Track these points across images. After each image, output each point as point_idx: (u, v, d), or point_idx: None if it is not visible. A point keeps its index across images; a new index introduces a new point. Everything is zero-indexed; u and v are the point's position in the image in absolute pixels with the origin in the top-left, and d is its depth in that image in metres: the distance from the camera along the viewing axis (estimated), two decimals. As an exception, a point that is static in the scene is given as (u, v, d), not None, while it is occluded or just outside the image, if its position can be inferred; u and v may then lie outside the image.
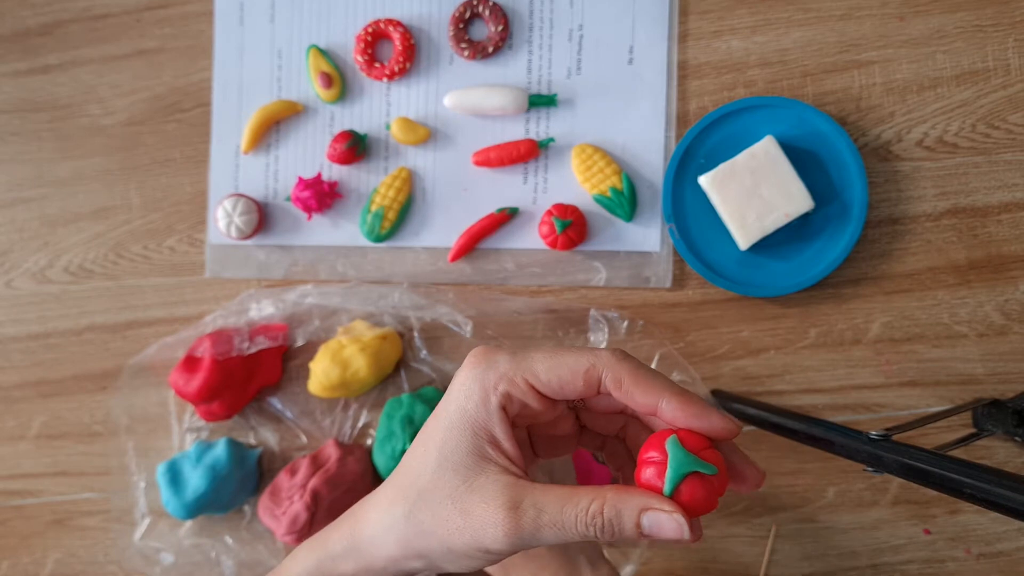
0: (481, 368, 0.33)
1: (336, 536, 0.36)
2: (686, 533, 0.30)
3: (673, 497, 0.31)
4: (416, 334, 0.69)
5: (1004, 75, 0.62)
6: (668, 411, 0.32)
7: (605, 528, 0.30)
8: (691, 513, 0.30)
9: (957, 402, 0.63)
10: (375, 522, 0.34)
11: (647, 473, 0.31)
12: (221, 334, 0.68)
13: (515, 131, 0.68)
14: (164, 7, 0.72)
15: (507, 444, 0.32)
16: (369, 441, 0.70)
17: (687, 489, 0.31)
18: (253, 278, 0.71)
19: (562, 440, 0.37)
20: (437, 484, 0.32)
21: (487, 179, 0.68)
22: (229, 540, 0.71)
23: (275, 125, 0.71)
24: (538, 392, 0.32)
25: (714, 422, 0.32)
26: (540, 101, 0.67)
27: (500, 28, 0.67)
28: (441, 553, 0.32)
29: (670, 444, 0.31)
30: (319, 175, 0.69)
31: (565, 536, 0.31)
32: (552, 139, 0.67)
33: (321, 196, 0.68)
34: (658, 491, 0.31)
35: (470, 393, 0.32)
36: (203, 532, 0.71)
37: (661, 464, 0.31)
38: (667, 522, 0.30)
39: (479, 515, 0.31)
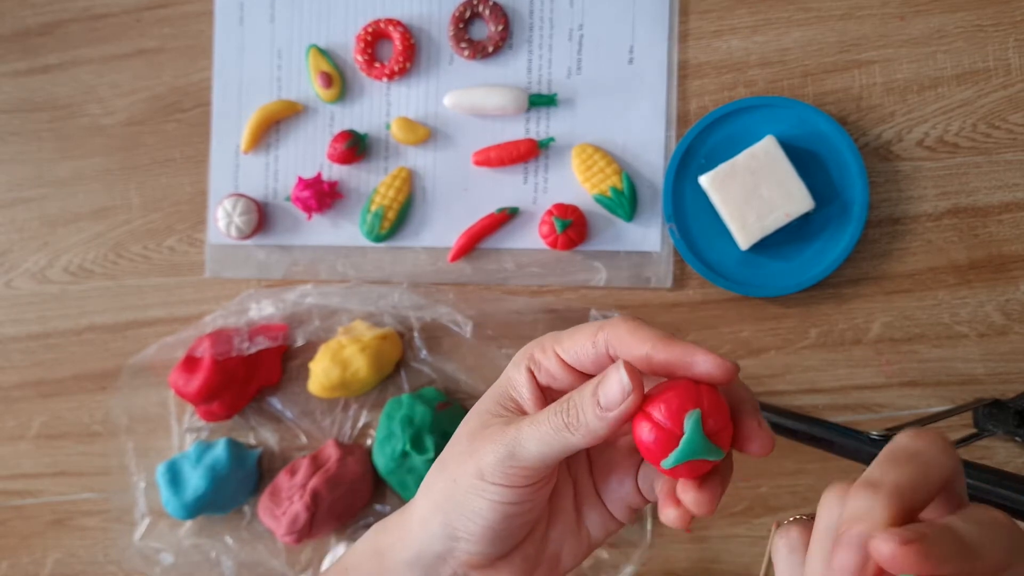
0: (530, 343, 0.35)
1: (396, 514, 0.38)
2: (626, 382, 0.30)
3: (671, 471, 0.30)
4: (416, 334, 0.69)
5: (1005, 75, 0.62)
6: (656, 357, 0.31)
7: (570, 412, 0.31)
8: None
9: (958, 402, 0.63)
10: (423, 486, 0.36)
11: (644, 431, 0.30)
12: (221, 334, 0.68)
13: (515, 131, 0.68)
14: (164, 7, 0.72)
15: (527, 402, 0.34)
16: (369, 441, 0.70)
17: (688, 469, 0.30)
18: (253, 278, 0.71)
19: (618, 453, 0.37)
20: (462, 427, 0.35)
21: (487, 179, 0.68)
22: (229, 540, 0.71)
23: (275, 125, 0.71)
24: (564, 363, 0.34)
25: (699, 363, 0.31)
26: (540, 101, 0.67)
27: (500, 28, 0.67)
28: (455, 504, 0.33)
29: (690, 421, 0.29)
30: (319, 175, 0.69)
31: (542, 435, 0.31)
32: (552, 139, 0.67)
33: (321, 196, 0.68)
34: (654, 459, 0.30)
35: (514, 360, 0.35)
36: (203, 532, 0.71)
37: (664, 431, 0.30)
38: (613, 377, 0.30)
39: (480, 441, 0.33)
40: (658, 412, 0.30)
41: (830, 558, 0.26)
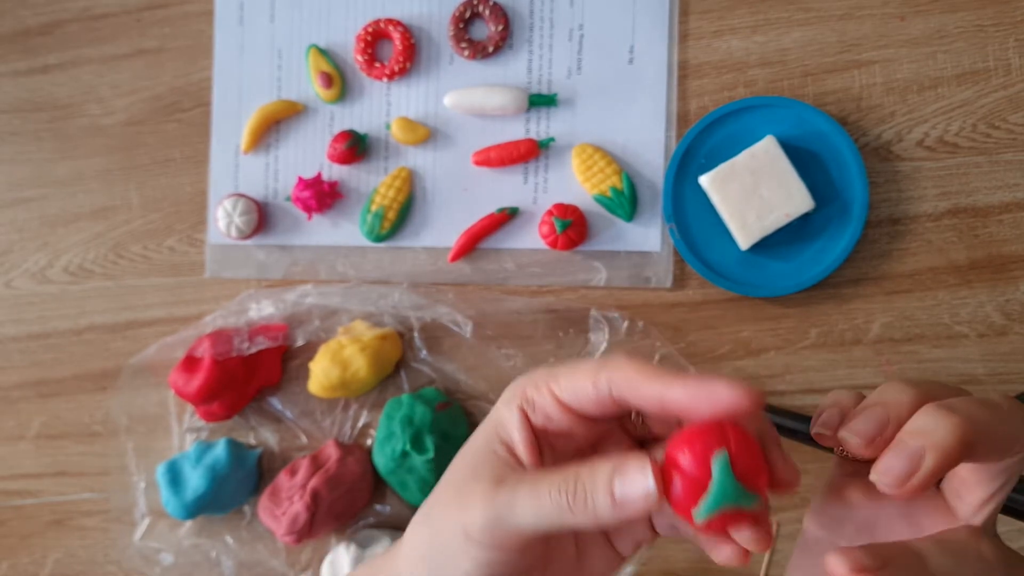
0: (521, 378, 0.33)
1: (380, 558, 0.36)
2: (651, 488, 0.27)
3: (706, 525, 0.27)
4: (416, 334, 0.69)
5: (1005, 75, 0.62)
6: (672, 397, 0.29)
7: (577, 494, 0.28)
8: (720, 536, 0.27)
9: (958, 402, 0.63)
10: (407, 534, 0.34)
11: (677, 488, 0.27)
12: (221, 334, 0.68)
13: (515, 131, 0.68)
14: (164, 7, 0.72)
15: (520, 445, 0.31)
16: (369, 441, 0.70)
17: (722, 521, 0.27)
18: (253, 278, 0.71)
19: None
20: (448, 473, 0.33)
21: (487, 179, 0.68)
22: (229, 540, 0.71)
23: (275, 125, 0.71)
24: (561, 403, 0.31)
25: (720, 394, 0.28)
26: (540, 101, 0.67)
27: (500, 28, 0.67)
28: (440, 560, 0.31)
29: (718, 464, 0.27)
30: (319, 175, 0.69)
31: (539, 508, 0.28)
32: (552, 139, 0.67)
33: (321, 196, 0.68)
34: (684, 511, 0.27)
35: (504, 397, 0.33)
36: (203, 532, 0.71)
37: (693, 479, 0.27)
38: (636, 475, 0.27)
39: (467, 493, 0.30)
40: (683, 458, 0.27)
41: (880, 461, 0.27)
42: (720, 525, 0.27)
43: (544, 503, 0.29)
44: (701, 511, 0.27)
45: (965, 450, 0.27)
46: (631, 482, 0.28)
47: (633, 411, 0.34)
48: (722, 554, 0.30)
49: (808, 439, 0.56)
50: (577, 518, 0.28)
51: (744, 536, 0.29)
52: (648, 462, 0.28)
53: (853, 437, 0.29)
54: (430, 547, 0.32)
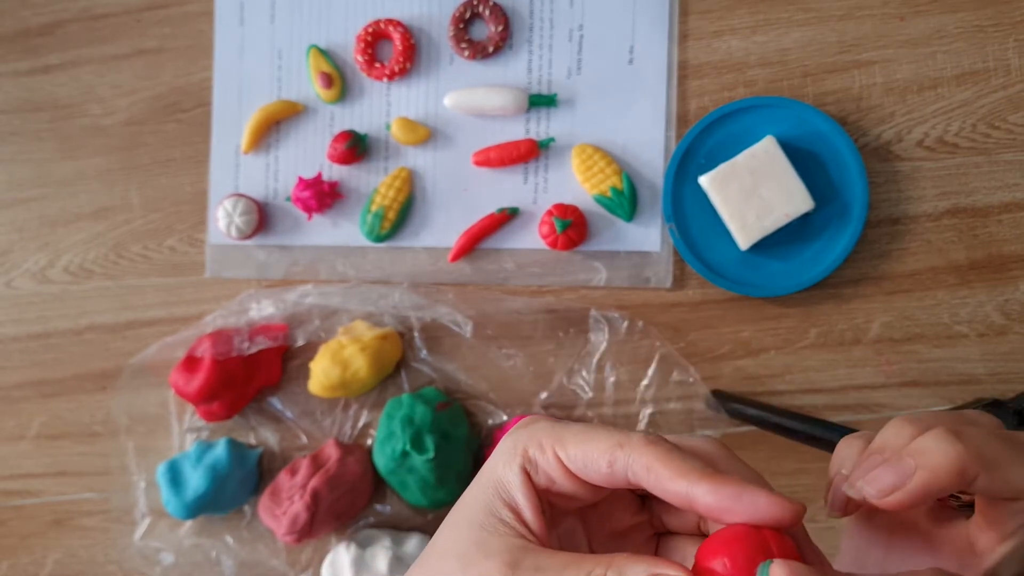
0: (521, 428, 0.30)
1: None
2: None
3: None
4: (416, 334, 0.69)
5: (1004, 75, 0.62)
6: (701, 499, 0.27)
7: None
8: None
9: (957, 402, 0.63)
10: None
11: None
12: (221, 334, 0.68)
13: (515, 131, 0.68)
14: (164, 7, 0.72)
15: (526, 510, 0.29)
16: (369, 441, 0.70)
17: None
18: (253, 278, 0.71)
19: (625, 536, 0.32)
20: (448, 539, 0.30)
21: (487, 179, 0.68)
22: (229, 540, 0.71)
23: (275, 125, 0.71)
24: (567, 470, 0.29)
25: (760, 507, 0.26)
26: (540, 101, 0.67)
27: (500, 28, 0.67)
28: None
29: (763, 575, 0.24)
30: (319, 175, 0.69)
31: None
32: (552, 139, 0.67)
33: (321, 196, 0.68)
34: None
35: (502, 451, 0.30)
36: (203, 532, 0.71)
37: None
38: None
39: (476, 570, 0.28)
40: (721, 567, 0.25)
41: (873, 470, 0.27)
42: None
43: None
44: None
45: (960, 478, 0.26)
46: None
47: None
48: None
49: (808, 439, 0.57)
50: None
51: None
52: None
53: (859, 493, 0.29)
54: None
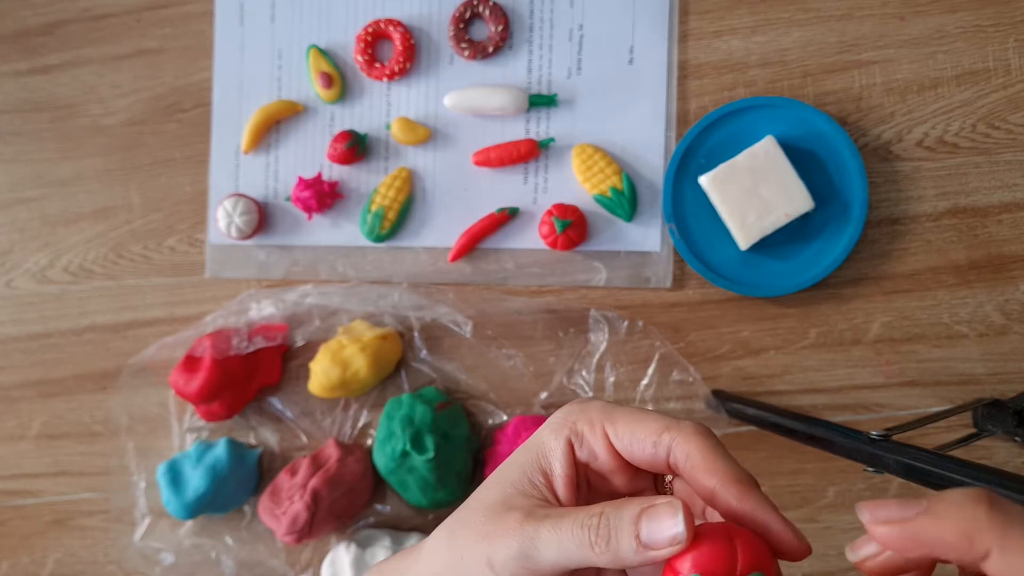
0: (574, 405, 0.32)
1: (394, 562, 0.34)
2: (681, 533, 0.26)
3: None
4: (416, 334, 0.69)
5: (1004, 75, 0.62)
6: (721, 498, 0.28)
7: (600, 531, 0.27)
8: None
9: (957, 402, 0.63)
10: (426, 547, 0.32)
11: None
12: (221, 334, 0.68)
13: (515, 131, 0.68)
14: (164, 7, 0.72)
15: (559, 479, 0.30)
16: (369, 441, 0.70)
17: None
18: (253, 278, 0.71)
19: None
20: (482, 492, 0.31)
21: (487, 179, 0.68)
22: (229, 540, 0.71)
23: (275, 125, 0.71)
24: (612, 448, 0.30)
25: (775, 534, 0.27)
26: (540, 101, 0.67)
27: (500, 28, 0.67)
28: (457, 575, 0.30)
29: None
30: (319, 175, 0.69)
31: (561, 544, 0.28)
32: (552, 139, 0.67)
33: (321, 196, 0.68)
34: None
35: (553, 422, 0.32)
36: (203, 532, 0.71)
37: None
38: (665, 519, 0.26)
39: (497, 522, 0.29)
40: (683, 567, 0.26)
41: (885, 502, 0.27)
42: None
43: (566, 538, 0.28)
44: None
45: (967, 544, 0.24)
46: (659, 525, 0.27)
47: (671, 475, 0.33)
48: None
49: (808, 439, 0.57)
50: (599, 558, 0.27)
51: (661, 527, 0.28)
52: (680, 505, 0.27)
53: (861, 516, 0.28)
54: (450, 569, 0.31)
